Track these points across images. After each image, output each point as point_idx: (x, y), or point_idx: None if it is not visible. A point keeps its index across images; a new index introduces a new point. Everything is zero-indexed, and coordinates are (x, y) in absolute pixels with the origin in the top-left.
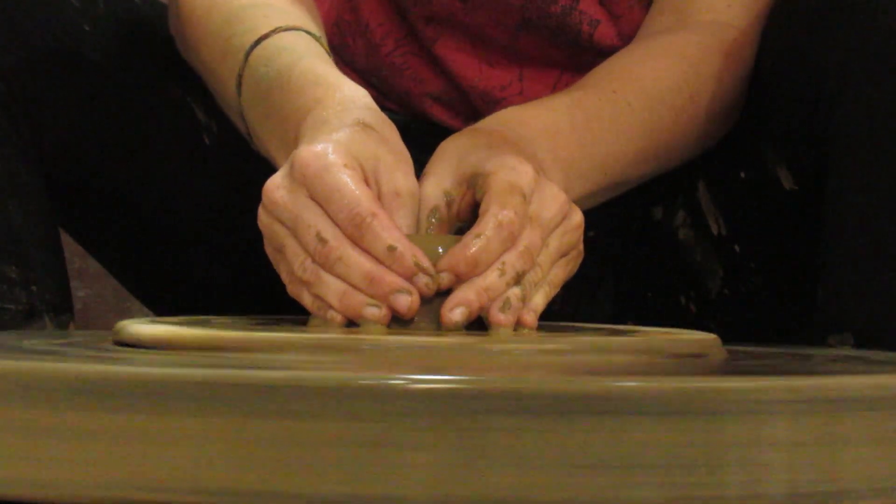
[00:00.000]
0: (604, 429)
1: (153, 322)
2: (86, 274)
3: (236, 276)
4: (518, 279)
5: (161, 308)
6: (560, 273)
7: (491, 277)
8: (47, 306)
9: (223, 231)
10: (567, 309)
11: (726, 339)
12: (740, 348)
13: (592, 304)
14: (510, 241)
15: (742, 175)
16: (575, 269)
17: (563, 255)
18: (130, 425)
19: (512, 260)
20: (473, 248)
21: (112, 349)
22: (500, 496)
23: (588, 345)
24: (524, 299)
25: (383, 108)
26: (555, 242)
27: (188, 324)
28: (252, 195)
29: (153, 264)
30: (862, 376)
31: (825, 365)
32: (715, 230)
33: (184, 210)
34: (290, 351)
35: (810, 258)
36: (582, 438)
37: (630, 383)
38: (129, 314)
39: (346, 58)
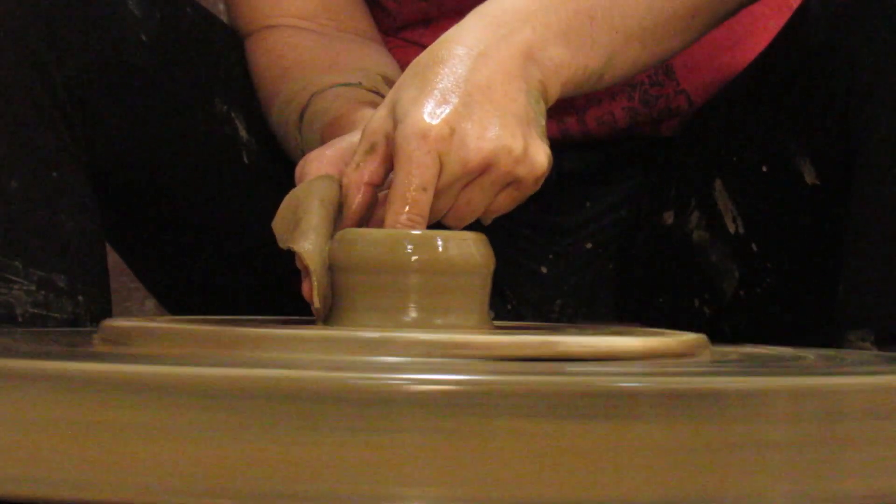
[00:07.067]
0: (603, 429)
1: (145, 320)
2: None
3: (256, 285)
4: None
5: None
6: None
7: None
8: (91, 316)
9: (250, 244)
10: (567, 317)
11: (739, 340)
12: (730, 349)
13: (596, 310)
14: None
15: (763, 169)
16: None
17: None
18: (130, 424)
19: None
20: None
21: (111, 349)
22: (501, 496)
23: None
24: None
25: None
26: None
27: (184, 322)
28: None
29: (180, 271)
30: (862, 376)
31: (825, 365)
32: (732, 229)
33: (214, 223)
34: (288, 350)
35: (829, 254)
36: (582, 438)
37: (630, 383)
38: (129, 314)
39: None
